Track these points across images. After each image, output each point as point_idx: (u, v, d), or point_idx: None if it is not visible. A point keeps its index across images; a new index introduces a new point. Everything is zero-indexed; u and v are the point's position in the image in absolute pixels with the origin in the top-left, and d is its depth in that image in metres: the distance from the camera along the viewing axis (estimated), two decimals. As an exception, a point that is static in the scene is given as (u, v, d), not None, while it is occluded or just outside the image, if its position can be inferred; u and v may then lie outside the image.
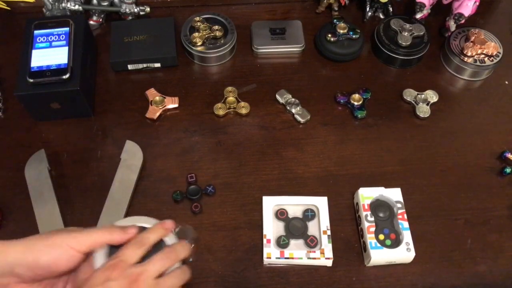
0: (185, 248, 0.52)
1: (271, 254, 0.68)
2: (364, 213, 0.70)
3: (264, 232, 0.69)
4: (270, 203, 0.72)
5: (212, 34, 0.87)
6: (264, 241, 0.68)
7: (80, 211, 0.71)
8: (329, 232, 0.69)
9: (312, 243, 0.69)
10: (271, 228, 0.70)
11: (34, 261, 0.47)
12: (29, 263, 0.47)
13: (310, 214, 0.71)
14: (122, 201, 0.71)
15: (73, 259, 0.49)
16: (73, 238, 0.49)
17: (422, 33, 0.88)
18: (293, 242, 0.70)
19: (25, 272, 0.48)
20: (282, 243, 0.69)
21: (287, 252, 0.68)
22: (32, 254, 0.48)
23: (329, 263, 0.68)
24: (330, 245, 0.68)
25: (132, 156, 0.75)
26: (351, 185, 0.75)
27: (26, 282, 0.49)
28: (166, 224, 0.53)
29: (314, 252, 0.68)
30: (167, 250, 0.51)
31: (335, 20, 0.90)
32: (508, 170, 0.77)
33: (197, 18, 0.88)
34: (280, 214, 0.71)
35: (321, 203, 0.72)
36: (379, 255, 0.67)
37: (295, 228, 0.70)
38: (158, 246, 0.51)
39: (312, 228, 0.71)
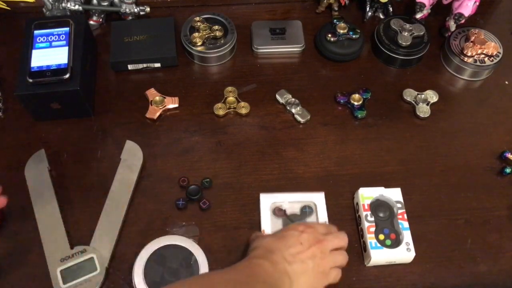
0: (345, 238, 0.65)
1: (271, 254, 0.67)
2: (364, 213, 0.70)
3: (262, 230, 0.69)
4: (267, 201, 0.72)
5: (212, 34, 0.87)
6: (264, 240, 0.68)
7: (80, 211, 0.71)
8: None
9: (312, 242, 0.69)
10: (269, 225, 0.70)
11: None
12: None
13: (307, 210, 0.71)
14: (122, 201, 0.71)
15: None
16: None
17: (422, 33, 0.88)
18: (293, 242, 0.70)
19: None
20: (282, 243, 0.69)
21: (287, 252, 0.68)
22: None
23: (329, 263, 0.68)
24: (330, 245, 0.68)
25: (132, 156, 0.75)
26: (351, 185, 0.75)
27: None
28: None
29: (314, 252, 0.68)
30: (342, 234, 0.65)
31: (335, 20, 0.90)
32: (508, 170, 0.77)
33: (197, 18, 0.88)
34: (278, 211, 0.71)
35: (318, 198, 0.72)
36: (379, 255, 0.67)
37: (295, 227, 0.70)
38: None
39: (311, 227, 0.71)
